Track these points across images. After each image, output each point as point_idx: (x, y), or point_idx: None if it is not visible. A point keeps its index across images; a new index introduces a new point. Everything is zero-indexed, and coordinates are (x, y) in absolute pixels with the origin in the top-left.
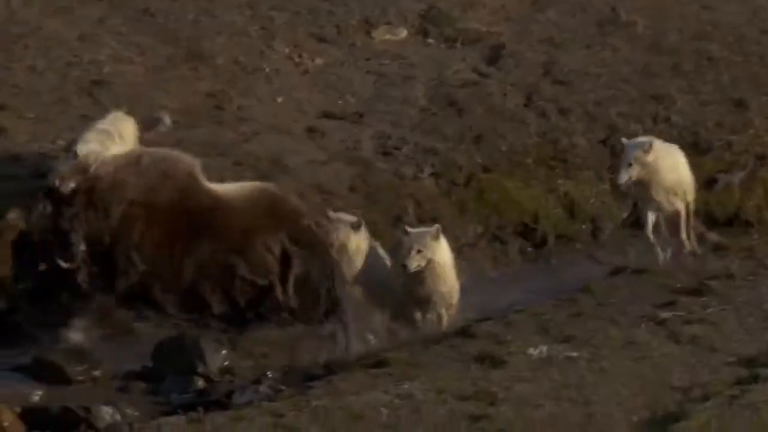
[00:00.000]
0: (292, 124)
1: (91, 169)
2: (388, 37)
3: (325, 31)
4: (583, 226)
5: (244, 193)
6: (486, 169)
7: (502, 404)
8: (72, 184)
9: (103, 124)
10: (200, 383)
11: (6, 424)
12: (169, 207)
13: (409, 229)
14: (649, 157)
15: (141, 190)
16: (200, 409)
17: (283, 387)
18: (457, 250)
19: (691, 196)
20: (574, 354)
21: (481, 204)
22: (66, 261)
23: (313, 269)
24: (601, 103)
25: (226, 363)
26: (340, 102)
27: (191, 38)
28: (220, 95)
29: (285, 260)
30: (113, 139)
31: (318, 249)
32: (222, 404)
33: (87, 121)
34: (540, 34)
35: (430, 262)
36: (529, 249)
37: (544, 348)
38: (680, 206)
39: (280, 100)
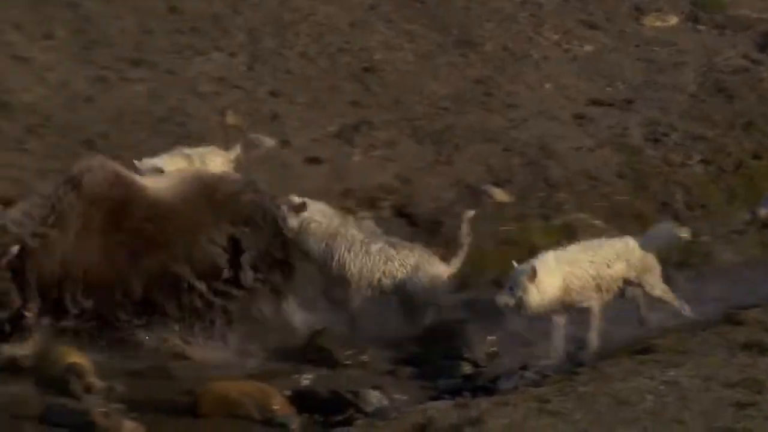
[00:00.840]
0: (560, 111)
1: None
2: (658, 23)
3: (595, 17)
4: None
5: (178, 190)
6: (756, 156)
7: None
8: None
9: (191, 150)
10: (467, 368)
11: (276, 407)
12: (106, 232)
13: (515, 264)
14: None
15: (70, 240)
16: (466, 394)
17: (549, 373)
18: (725, 237)
19: None
20: None
21: (750, 191)
22: (27, 310)
23: (262, 242)
24: None
25: (492, 349)
26: (608, 88)
27: (461, 25)
28: (489, 81)
29: (234, 246)
30: (193, 163)
31: (263, 221)
32: (488, 389)
33: (357, 108)
34: None
35: (520, 299)
36: None
37: None
38: None
39: (548, 86)
